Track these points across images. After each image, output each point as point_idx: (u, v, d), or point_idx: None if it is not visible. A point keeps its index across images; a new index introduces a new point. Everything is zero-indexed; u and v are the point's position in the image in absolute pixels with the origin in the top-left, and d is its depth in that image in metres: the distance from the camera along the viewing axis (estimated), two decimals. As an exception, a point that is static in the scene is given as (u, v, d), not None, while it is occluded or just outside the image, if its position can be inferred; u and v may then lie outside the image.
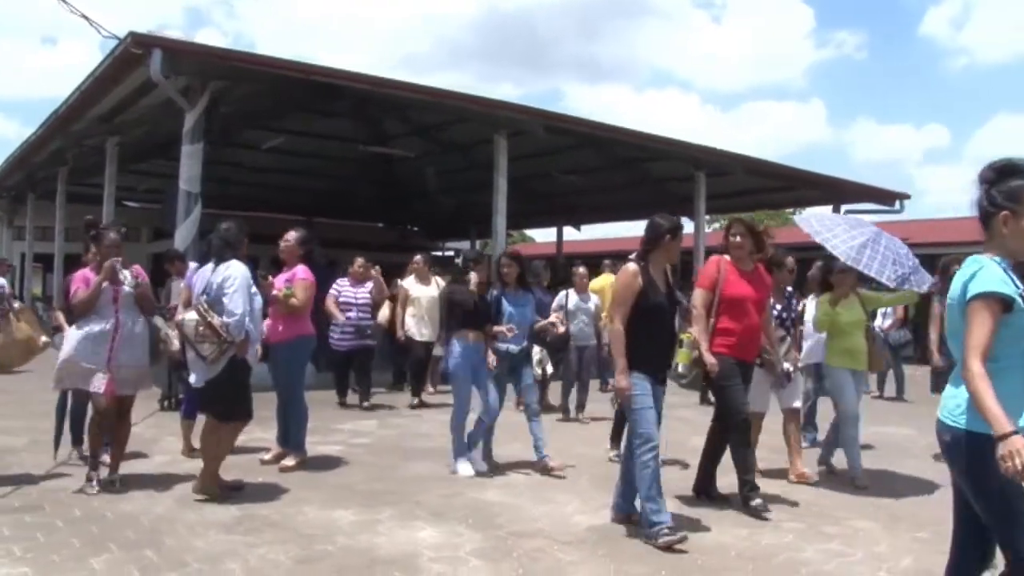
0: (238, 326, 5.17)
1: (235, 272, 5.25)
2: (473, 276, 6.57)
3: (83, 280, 5.56)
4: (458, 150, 17.80)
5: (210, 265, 5.44)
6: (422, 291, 10.21)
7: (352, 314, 9.65)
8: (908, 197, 19.06)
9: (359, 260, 10.11)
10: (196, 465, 5.67)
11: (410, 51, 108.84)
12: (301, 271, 6.58)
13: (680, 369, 5.38)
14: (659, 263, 4.97)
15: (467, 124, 14.88)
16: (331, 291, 9.73)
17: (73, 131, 14.16)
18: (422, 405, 9.89)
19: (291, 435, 6.47)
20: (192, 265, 6.83)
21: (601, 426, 8.84)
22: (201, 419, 5.80)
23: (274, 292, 6.38)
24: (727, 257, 5.70)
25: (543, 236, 35.12)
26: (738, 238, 5.65)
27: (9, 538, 4.35)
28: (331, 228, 22.36)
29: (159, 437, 7.23)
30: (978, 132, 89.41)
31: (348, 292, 9.81)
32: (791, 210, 39.05)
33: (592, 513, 5.31)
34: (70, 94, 12.53)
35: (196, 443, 6.16)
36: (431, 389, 10.94)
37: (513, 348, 6.45)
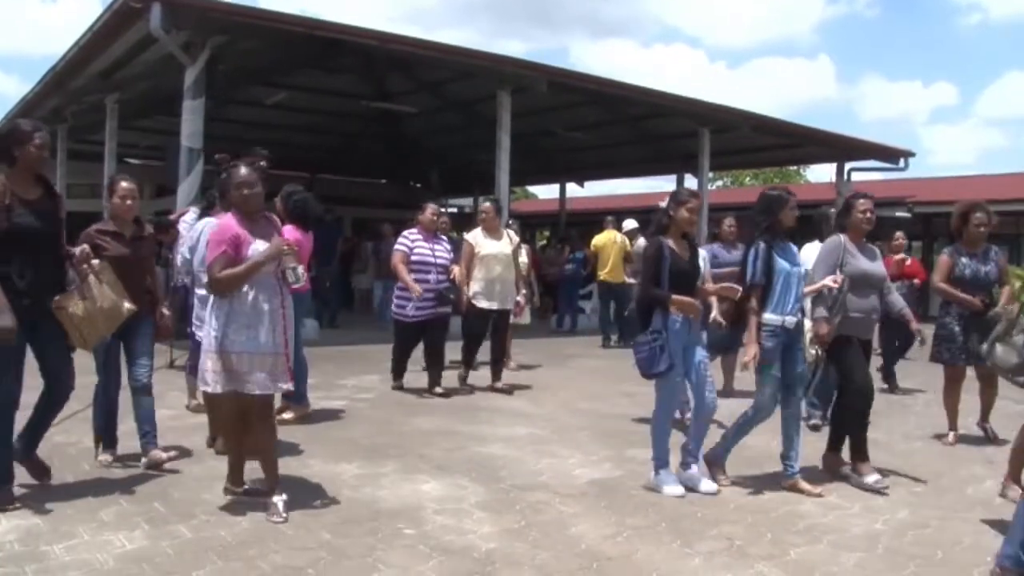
0: None
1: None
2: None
3: (230, 242, 4.17)
4: (462, 106, 17.69)
5: (214, 221, 5.41)
6: (493, 247, 8.00)
7: (431, 276, 7.54)
8: (913, 155, 18.98)
9: (431, 207, 7.95)
10: (201, 420, 5.73)
11: (417, 5, 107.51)
12: (284, 231, 6.40)
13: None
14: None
15: (471, 80, 14.78)
16: (398, 247, 7.70)
17: (72, 88, 14.06)
18: (505, 391, 8.06)
19: (295, 389, 6.50)
20: (190, 214, 6.73)
21: (600, 381, 8.91)
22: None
23: None
24: None
25: (546, 193, 35.00)
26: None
27: (20, 491, 4.41)
28: (334, 184, 22.32)
29: (164, 392, 7.27)
30: (987, 90, 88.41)
31: (423, 248, 7.63)
32: (796, 167, 39.04)
33: (593, 466, 5.38)
34: (68, 49, 12.43)
35: (199, 397, 6.21)
36: (513, 365, 9.44)
37: (790, 320, 4.86)
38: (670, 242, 4.86)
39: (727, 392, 7.53)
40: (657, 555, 3.83)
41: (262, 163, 4.51)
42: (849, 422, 5.20)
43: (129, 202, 4.96)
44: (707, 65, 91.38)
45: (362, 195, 22.33)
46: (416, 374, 8.05)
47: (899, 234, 9.87)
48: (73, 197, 18.98)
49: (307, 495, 4.51)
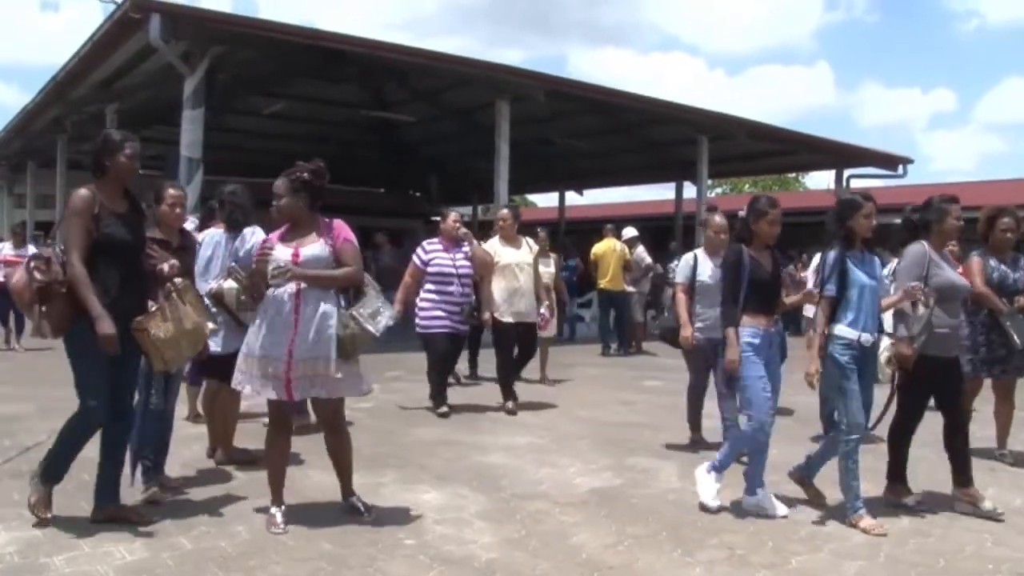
0: None
1: (261, 238, 5.24)
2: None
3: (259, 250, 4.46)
4: (460, 115, 17.73)
5: (217, 233, 5.40)
6: (512, 256, 7.57)
7: (452, 287, 7.09)
8: (911, 162, 19.05)
9: (453, 214, 7.56)
10: (201, 430, 5.72)
11: (415, 14, 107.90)
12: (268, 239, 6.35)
13: None
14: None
15: (469, 88, 14.82)
16: (416, 257, 7.27)
17: (72, 98, 14.11)
18: (510, 410, 7.49)
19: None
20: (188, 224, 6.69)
21: (600, 390, 8.91)
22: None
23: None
24: None
25: (545, 201, 35.01)
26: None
27: (19, 502, 4.40)
28: (333, 193, 22.27)
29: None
30: (986, 96, 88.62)
31: (443, 259, 7.17)
32: (794, 174, 39.08)
33: (593, 475, 5.37)
34: (68, 59, 12.49)
35: (200, 409, 6.21)
36: (550, 379, 9.28)
37: (867, 338, 4.47)
38: (751, 250, 4.63)
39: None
40: (658, 564, 3.83)
41: (305, 174, 4.35)
42: (896, 447, 4.90)
43: (178, 210, 4.75)
44: (706, 73, 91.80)
45: (361, 204, 22.34)
46: (412, 384, 8.03)
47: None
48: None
49: (307, 505, 4.50)
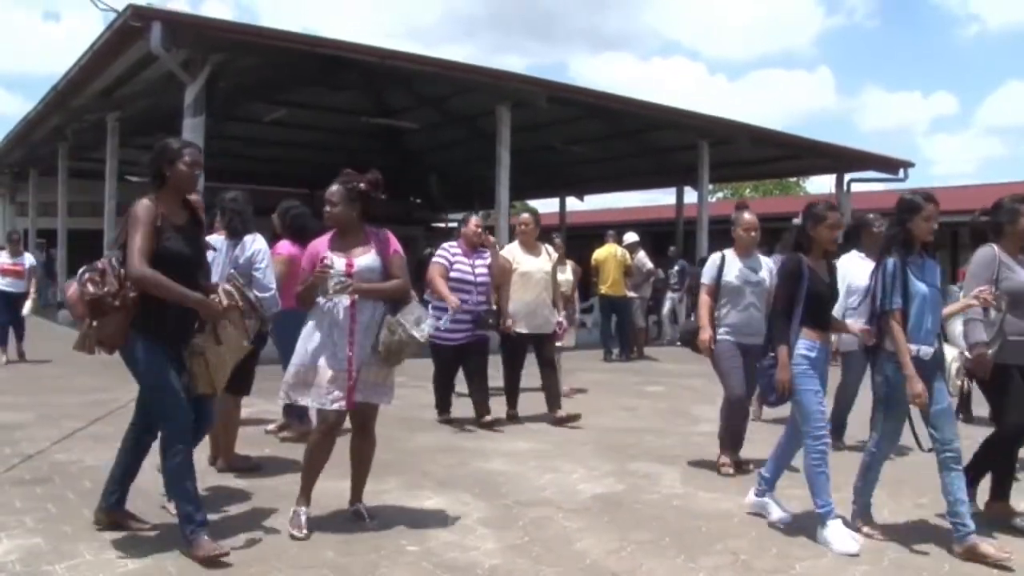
0: (272, 300, 5.09)
1: (261, 246, 5.23)
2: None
3: (308, 259, 4.33)
4: (462, 121, 17.76)
5: (217, 239, 5.39)
6: (532, 264, 7.29)
7: (470, 296, 6.75)
8: (912, 165, 19.07)
9: (474, 219, 7.07)
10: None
11: (417, 22, 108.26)
12: (282, 246, 6.26)
13: None
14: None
15: (471, 95, 14.85)
16: (438, 259, 6.93)
17: (73, 106, 14.14)
18: (513, 419, 7.30)
19: (294, 406, 6.48)
20: None
21: (602, 395, 8.90)
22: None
23: None
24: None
25: (546, 207, 35.03)
26: None
27: (21, 510, 4.40)
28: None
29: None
30: (987, 100, 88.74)
31: (463, 265, 6.86)
32: (795, 179, 39.12)
33: (596, 481, 5.36)
34: (69, 68, 12.51)
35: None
36: (566, 389, 8.51)
37: (926, 351, 4.12)
38: (809, 261, 4.37)
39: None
40: (661, 570, 3.81)
41: (361, 184, 4.28)
42: (995, 460, 4.57)
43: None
44: (707, 77, 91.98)
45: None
46: (413, 390, 8.02)
47: None
48: (74, 215, 19.09)
49: (310, 512, 4.48)
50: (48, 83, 13.91)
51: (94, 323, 3.75)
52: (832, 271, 4.54)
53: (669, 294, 14.99)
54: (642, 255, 13.16)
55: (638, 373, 10.92)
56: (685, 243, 19.95)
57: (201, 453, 5.60)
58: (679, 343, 5.87)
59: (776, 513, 4.51)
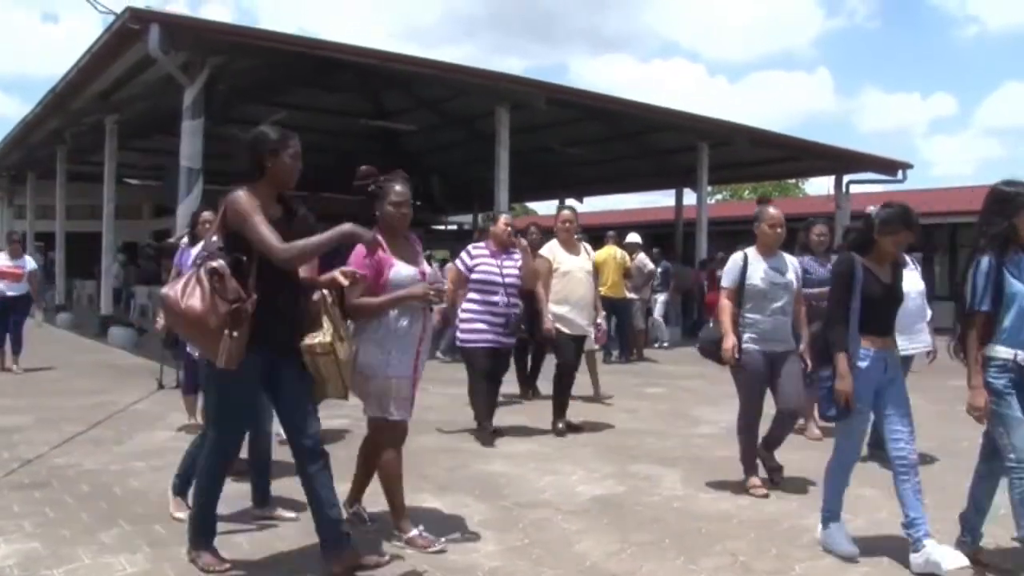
0: None
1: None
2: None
3: (373, 266, 3.95)
4: (461, 123, 17.77)
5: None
6: (573, 263, 6.90)
7: (498, 297, 6.32)
8: (911, 167, 19.10)
9: (504, 218, 6.66)
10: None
11: (416, 23, 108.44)
12: None
13: None
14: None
15: (470, 97, 14.85)
16: (460, 262, 6.57)
17: (72, 109, 14.14)
18: (572, 428, 6.98)
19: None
20: (184, 241, 6.65)
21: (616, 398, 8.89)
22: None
23: None
24: None
25: (545, 209, 35.07)
26: None
27: (19, 514, 4.39)
28: (334, 203, 22.35)
29: (165, 413, 7.27)
30: (986, 101, 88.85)
31: (488, 265, 6.39)
32: (794, 180, 39.15)
33: (596, 483, 5.35)
34: (67, 71, 12.50)
35: (199, 418, 6.18)
36: (603, 396, 8.64)
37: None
38: (866, 261, 4.03)
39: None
40: (661, 571, 3.81)
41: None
42: None
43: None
44: (707, 79, 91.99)
45: (362, 213, 22.38)
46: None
47: None
48: (73, 218, 19.09)
49: (308, 515, 4.47)
50: (46, 85, 13.89)
51: (234, 333, 3.36)
52: (897, 273, 4.16)
53: (658, 296, 14.95)
54: (642, 256, 13.15)
55: (638, 375, 10.91)
56: (684, 245, 19.97)
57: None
58: (699, 350, 5.38)
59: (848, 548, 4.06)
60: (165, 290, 3.49)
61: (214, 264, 3.38)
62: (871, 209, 4.10)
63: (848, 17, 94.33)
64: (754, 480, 5.16)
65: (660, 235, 21.58)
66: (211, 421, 3.77)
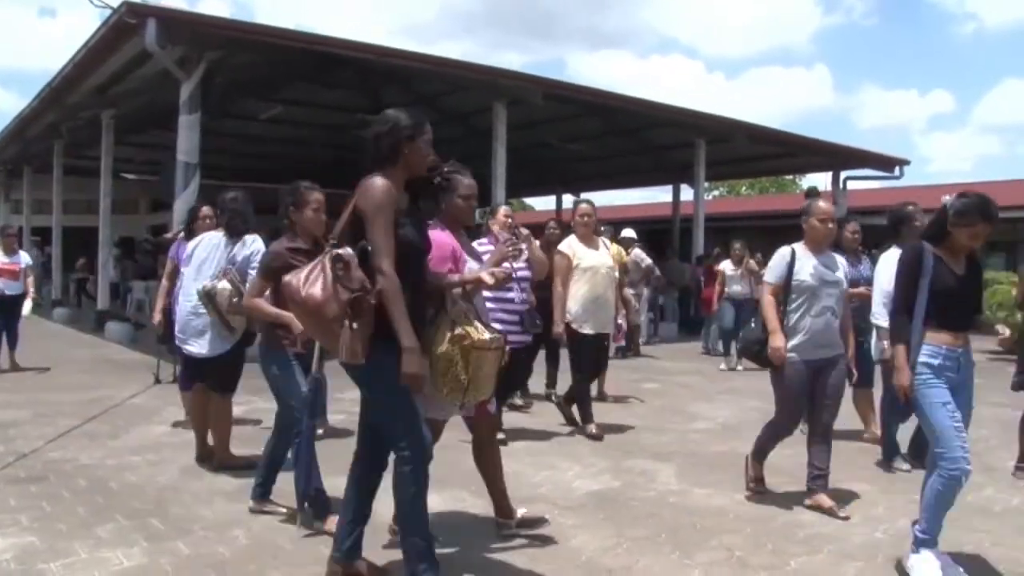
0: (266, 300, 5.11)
1: (260, 247, 5.20)
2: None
3: (452, 259, 3.85)
4: (458, 119, 17.74)
5: (216, 236, 5.38)
6: (593, 258, 6.61)
7: (512, 293, 5.83)
8: (908, 163, 19.13)
9: (503, 209, 6.41)
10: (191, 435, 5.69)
11: (415, 20, 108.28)
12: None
13: None
14: None
15: (467, 93, 14.82)
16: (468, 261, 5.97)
17: (68, 103, 14.10)
18: (595, 437, 6.58)
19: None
20: (180, 236, 6.62)
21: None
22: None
23: None
24: None
25: (542, 204, 35.09)
26: None
27: (15, 508, 4.40)
28: (331, 198, 22.33)
29: (161, 408, 7.27)
30: (984, 98, 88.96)
31: None
32: (791, 176, 39.18)
33: (592, 478, 5.36)
34: (64, 65, 12.47)
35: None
36: (610, 395, 8.44)
37: None
38: (940, 251, 3.80)
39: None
40: (657, 566, 3.82)
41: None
42: None
43: (322, 215, 4.45)
44: (705, 75, 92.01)
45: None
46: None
47: None
48: (69, 213, 19.05)
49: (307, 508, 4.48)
50: (43, 80, 13.82)
51: (354, 325, 3.13)
52: (974, 269, 3.91)
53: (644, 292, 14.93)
54: (638, 251, 13.13)
55: (635, 370, 10.91)
56: (681, 240, 19.98)
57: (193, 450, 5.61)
58: (741, 352, 5.07)
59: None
60: (288, 277, 3.27)
61: (340, 251, 3.18)
62: (946, 199, 3.85)
63: (846, 14, 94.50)
64: (758, 478, 5.02)
65: (657, 231, 21.61)
66: (400, 438, 3.40)
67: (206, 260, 5.29)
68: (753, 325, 4.95)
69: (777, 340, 4.64)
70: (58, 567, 3.61)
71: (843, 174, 19.22)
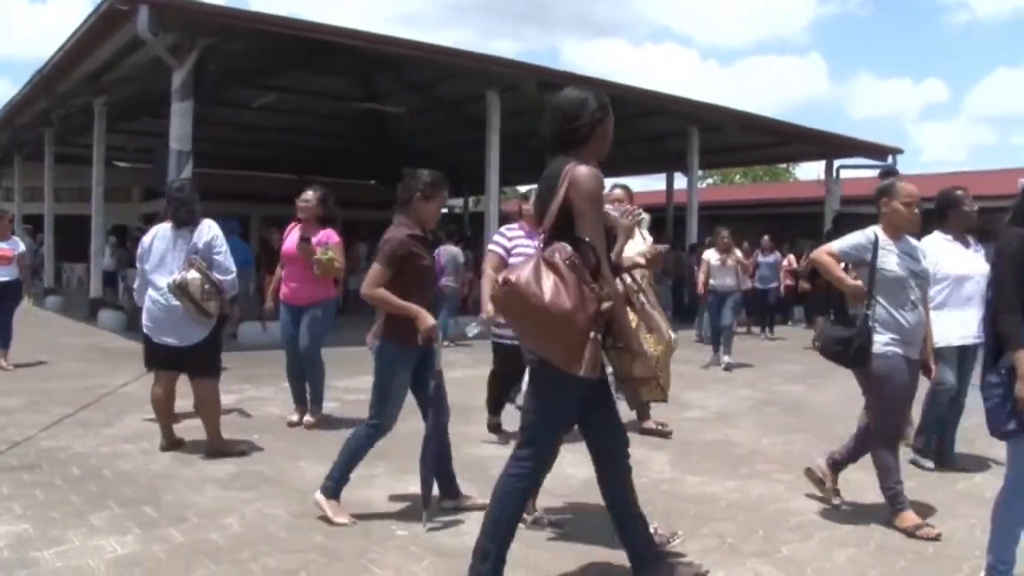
0: (232, 283, 5.35)
1: (217, 231, 5.38)
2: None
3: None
4: (451, 107, 17.70)
5: (165, 228, 5.40)
6: (630, 249, 5.61)
7: None
8: (901, 152, 19.18)
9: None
10: (193, 423, 5.70)
11: (408, 7, 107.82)
12: (332, 234, 6.37)
13: None
14: None
15: (460, 80, 14.78)
16: (493, 247, 5.71)
17: (59, 91, 14.01)
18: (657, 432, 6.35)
19: (316, 394, 6.54)
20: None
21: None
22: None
23: (316, 256, 6.16)
24: None
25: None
26: None
27: (8, 496, 4.39)
28: (323, 186, 22.29)
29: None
30: (977, 88, 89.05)
31: (527, 247, 5.47)
32: (785, 165, 39.20)
33: (586, 466, 5.33)
34: (54, 53, 12.38)
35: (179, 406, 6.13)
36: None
37: None
38: None
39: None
40: (650, 553, 3.83)
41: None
42: None
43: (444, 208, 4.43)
44: (699, 64, 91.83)
45: (351, 196, 22.33)
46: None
47: None
48: (61, 201, 18.97)
49: (299, 497, 4.49)
50: (34, 67, 13.74)
51: (598, 336, 2.92)
52: None
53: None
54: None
55: (627, 359, 10.94)
56: (675, 229, 19.98)
57: (189, 436, 5.61)
58: (819, 350, 4.40)
59: None
60: (512, 277, 2.87)
61: (570, 253, 2.89)
62: (1023, 181, 3.46)
63: (840, 3, 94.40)
64: (913, 517, 4.17)
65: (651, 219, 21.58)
66: (547, 440, 3.32)
67: (167, 252, 5.32)
68: (832, 319, 4.40)
69: (851, 284, 4.20)
70: (51, 555, 3.61)
71: (836, 162, 19.25)
